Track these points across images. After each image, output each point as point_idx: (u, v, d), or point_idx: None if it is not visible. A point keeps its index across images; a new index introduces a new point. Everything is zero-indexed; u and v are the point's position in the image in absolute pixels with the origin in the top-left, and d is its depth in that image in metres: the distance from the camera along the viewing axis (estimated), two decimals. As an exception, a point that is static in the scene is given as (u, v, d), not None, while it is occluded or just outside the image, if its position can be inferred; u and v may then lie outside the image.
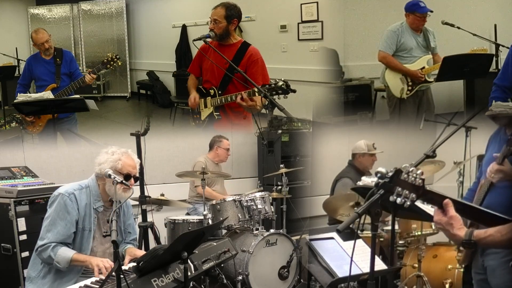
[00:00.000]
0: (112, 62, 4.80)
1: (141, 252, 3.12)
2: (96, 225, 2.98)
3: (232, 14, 3.94)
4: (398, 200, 1.81)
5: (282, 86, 3.42)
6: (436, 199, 1.90)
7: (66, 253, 2.83)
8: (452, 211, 1.89)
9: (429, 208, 2.88)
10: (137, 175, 3.03)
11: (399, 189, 1.80)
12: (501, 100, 3.03)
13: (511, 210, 1.96)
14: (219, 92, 4.03)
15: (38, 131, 4.86)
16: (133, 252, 3.09)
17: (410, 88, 4.85)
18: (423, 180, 1.81)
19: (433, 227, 4.11)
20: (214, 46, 3.88)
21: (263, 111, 3.53)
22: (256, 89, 3.54)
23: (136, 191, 3.43)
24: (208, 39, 3.84)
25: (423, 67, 4.81)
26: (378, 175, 1.82)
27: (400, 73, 4.85)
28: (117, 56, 4.83)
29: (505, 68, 3.23)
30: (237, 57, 3.96)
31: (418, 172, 1.81)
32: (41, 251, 2.83)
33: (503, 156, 2.25)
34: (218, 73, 4.03)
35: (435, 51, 4.90)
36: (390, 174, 1.80)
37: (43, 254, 2.83)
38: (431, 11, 4.73)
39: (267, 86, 3.50)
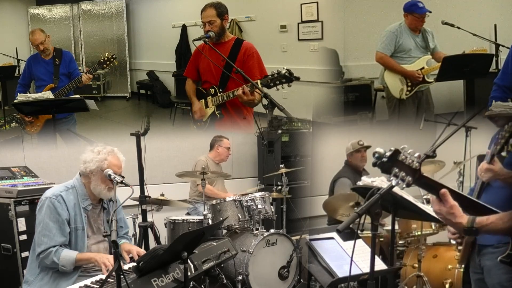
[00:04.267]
0: (108, 62, 4.80)
1: (135, 247, 3.12)
2: (87, 223, 2.97)
3: (222, 11, 3.98)
4: (394, 181, 1.80)
5: (286, 74, 3.45)
6: (432, 185, 1.89)
7: (69, 255, 2.83)
8: (451, 200, 1.88)
9: (429, 208, 2.89)
10: (122, 174, 2.99)
11: (396, 170, 1.79)
12: (501, 99, 3.03)
13: (505, 210, 1.95)
14: (220, 90, 4.03)
15: (36, 131, 4.85)
16: (127, 247, 3.09)
17: (409, 88, 4.85)
18: (419, 163, 1.80)
19: (433, 227, 4.12)
20: (209, 47, 3.89)
21: (263, 111, 3.54)
22: (256, 82, 3.56)
23: (136, 191, 3.43)
24: (208, 39, 3.86)
25: (422, 68, 4.81)
26: (376, 155, 1.80)
27: (398, 74, 4.85)
28: (114, 56, 4.84)
29: (505, 68, 3.23)
30: (232, 53, 3.97)
31: (416, 155, 1.80)
32: (43, 258, 2.82)
33: (491, 155, 2.26)
34: (216, 71, 4.03)
35: (435, 50, 4.89)
36: (388, 154, 1.79)
37: (46, 261, 2.82)
38: (430, 12, 4.73)
39: (270, 76, 3.51)
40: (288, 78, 3.46)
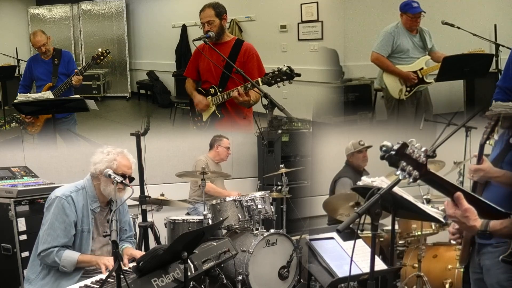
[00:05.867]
0: (102, 57, 4.78)
1: (138, 252, 3.12)
2: (93, 226, 2.98)
3: (221, 11, 3.98)
4: (401, 175, 1.79)
5: (287, 71, 3.45)
6: (442, 185, 1.88)
7: (71, 256, 2.83)
8: (465, 203, 1.86)
9: (429, 208, 2.89)
10: (132, 175, 3.02)
11: (404, 163, 1.78)
12: (504, 102, 3.04)
13: (506, 208, 1.96)
14: (220, 89, 4.04)
15: (37, 131, 4.86)
16: (129, 251, 3.09)
17: (408, 89, 4.85)
18: (426, 158, 1.80)
19: (433, 227, 4.12)
20: (209, 47, 3.89)
21: (263, 111, 3.54)
22: (256, 81, 3.56)
23: (136, 191, 3.42)
24: (207, 39, 3.86)
25: (422, 68, 4.81)
26: (384, 148, 1.79)
27: (394, 75, 4.85)
28: (107, 51, 4.79)
29: (506, 70, 3.23)
30: (232, 53, 3.98)
31: (423, 149, 1.80)
32: (44, 256, 2.83)
33: (479, 155, 2.27)
34: (216, 71, 4.04)
35: (433, 50, 4.89)
36: (396, 147, 1.78)
37: (47, 259, 2.83)
38: (424, 12, 4.72)
39: (270, 73, 3.51)
40: (289, 75, 3.46)
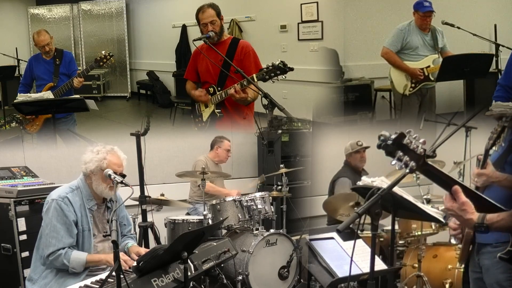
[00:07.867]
0: (105, 60, 4.79)
1: (145, 250, 3.13)
2: (93, 224, 2.98)
3: (219, 11, 4.02)
4: (397, 166, 1.79)
5: (279, 65, 3.47)
6: (440, 177, 1.87)
7: (79, 257, 2.85)
8: (463, 196, 1.87)
9: (429, 208, 2.89)
10: (123, 172, 2.99)
11: (400, 153, 1.77)
12: (504, 99, 3.04)
13: (506, 207, 1.96)
14: (218, 88, 4.04)
15: (36, 130, 4.86)
16: (136, 249, 3.11)
17: (413, 85, 4.87)
18: (425, 150, 1.78)
19: (433, 227, 4.12)
20: (207, 47, 3.90)
21: (263, 111, 3.54)
22: (251, 77, 3.58)
23: (136, 191, 3.42)
24: (208, 39, 3.87)
25: (428, 66, 4.83)
26: (381, 137, 1.78)
27: (401, 70, 4.88)
28: (111, 54, 4.83)
29: (507, 68, 3.24)
30: (229, 52, 3.98)
31: (421, 140, 1.79)
32: (52, 260, 2.84)
33: (484, 159, 2.27)
34: (214, 71, 4.05)
35: (444, 50, 4.91)
36: (393, 137, 1.77)
37: (56, 263, 2.84)
38: (433, 11, 4.74)
39: (265, 69, 3.53)
40: (282, 69, 3.47)
